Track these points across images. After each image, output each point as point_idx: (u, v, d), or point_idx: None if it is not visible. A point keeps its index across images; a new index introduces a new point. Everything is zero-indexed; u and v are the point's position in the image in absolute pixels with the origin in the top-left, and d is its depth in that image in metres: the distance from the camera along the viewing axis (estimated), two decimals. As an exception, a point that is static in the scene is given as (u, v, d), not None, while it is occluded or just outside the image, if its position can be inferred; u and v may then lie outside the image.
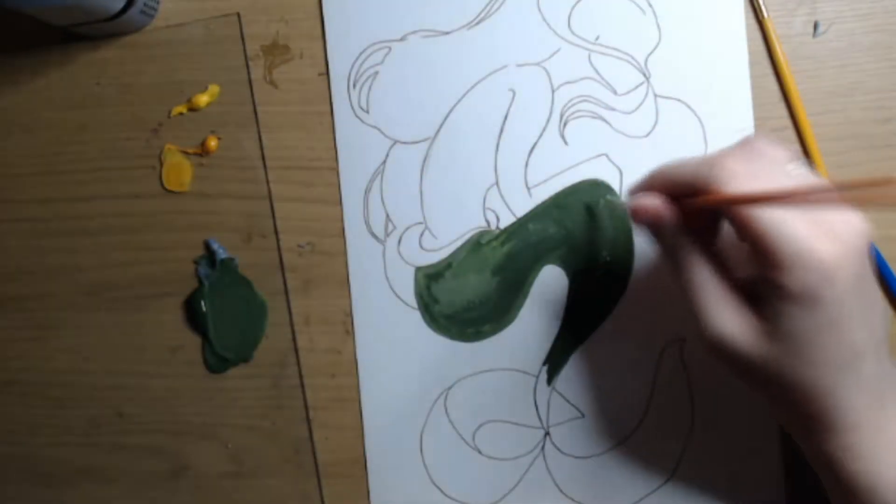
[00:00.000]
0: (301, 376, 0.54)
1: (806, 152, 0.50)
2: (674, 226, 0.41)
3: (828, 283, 0.35)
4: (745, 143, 0.39)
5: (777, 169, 0.38)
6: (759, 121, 0.50)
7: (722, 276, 0.39)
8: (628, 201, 0.43)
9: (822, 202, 0.35)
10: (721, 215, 0.41)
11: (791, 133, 0.50)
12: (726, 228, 0.41)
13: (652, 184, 0.42)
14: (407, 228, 0.53)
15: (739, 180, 0.36)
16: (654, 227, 0.42)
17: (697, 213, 0.40)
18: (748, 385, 0.41)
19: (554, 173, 0.52)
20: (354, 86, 0.53)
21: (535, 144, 0.52)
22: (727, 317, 0.38)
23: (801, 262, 0.35)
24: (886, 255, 0.50)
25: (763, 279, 0.37)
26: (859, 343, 0.37)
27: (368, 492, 0.53)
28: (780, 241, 0.35)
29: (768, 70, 0.50)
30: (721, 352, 0.39)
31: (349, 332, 0.53)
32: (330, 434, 0.54)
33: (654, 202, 0.41)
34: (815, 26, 0.50)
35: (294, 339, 0.54)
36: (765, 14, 0.50)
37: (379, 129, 0.53)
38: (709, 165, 0.38)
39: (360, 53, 0.53)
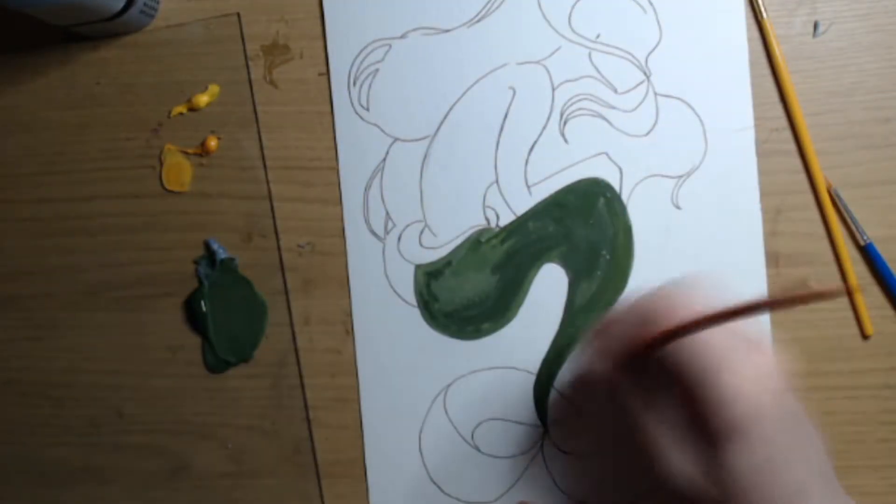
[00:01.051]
0: (301, 376, 0.54)
1: (803, 152, 0.50)
2: (626, 387, 0.42)
3: (756, 420, 0.37)
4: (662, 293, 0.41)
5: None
6: (758, 121, 0.50)
7: (671, 424, 0.40)
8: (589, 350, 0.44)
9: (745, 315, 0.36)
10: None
11: (788, 133, 0.50)
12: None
13: (606, 341, 0.43)
14: (407, 226, 0.53)
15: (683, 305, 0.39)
16: (610, 392, 0.43)
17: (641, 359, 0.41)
18: None
19: (554, 171, 0.52)
20: (355, 83, 0.53)
21: (536, 142, 0.52)
22: (678, 462, 0.39)
23: (728, 405, 0.37)
24: (886, 255, 0.50)
25: (701, 424, 0.38)
26: (801, 481, 0.38)
27: (368, 489, 0.53)
28: (709, 387, 0.37)
29: (767, 70, 0.50)
30: (678, 492, 0.40)
31: (349, 332, 0.53)
32: (330, 434, 0.54)
33: (605, 369, 0.42)
34: (815, 26, 0.50)
35: (294, 339, 0.54)
36: (764, 15, 0.50)
37: (379, 127, 0.53)
38: (651, 301, 0.40)
39: (361, 51, 0.53)
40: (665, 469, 0.40)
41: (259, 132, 0.54)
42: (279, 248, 0.54)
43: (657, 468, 0.40)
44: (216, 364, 0.54)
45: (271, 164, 0.54)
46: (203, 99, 0.54)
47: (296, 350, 0.54)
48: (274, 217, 0.54)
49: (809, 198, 0.50)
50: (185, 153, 0.54)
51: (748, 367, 0.38)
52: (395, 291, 0.53)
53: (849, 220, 0.50)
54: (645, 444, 0.41)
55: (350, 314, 0.53)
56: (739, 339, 0.39)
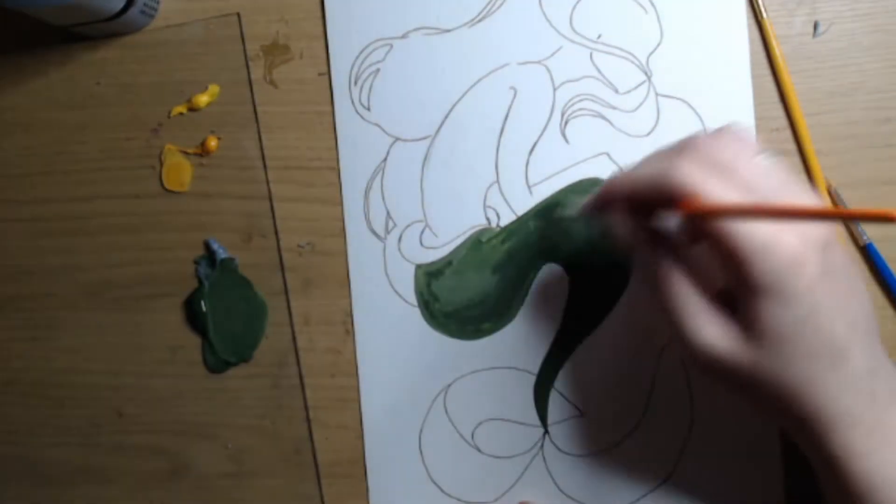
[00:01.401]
0: (301, 376, 0.54)
1: (802, 153, 0.50)
2: (646, 243, 0.40)
3: (794, 273, 0.35)
4: (710, 135, 0.39)
5: (744, 164, 0.37)
6: (758, 121, 0.50)
7: (699, 287, 0.39)
8: (588, 214, 0.43)
9: (801, 217, 0.34)
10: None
11: (788, 134, 0.50)
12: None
13: (610, 198, 0.42)
14: (407, 226, 0.53)
15: (703, 184, 0.36)
16: (629, 247, 0.41)
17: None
18: (740, 396, 0.40)
19: (555, 172, 0.52)
20: (356, 83, 0.53)
21: (536, 143, 0.52)
22: (709, 328, 0.38)
23: (765, 254, 0.35)
24: (886, 255, 0.50)
25: (734, 280, 0.37)
26: (840, 336, 0.37)
27: (368, 489, 0.53)
28: (743, 236, 0.35)
29: (767, 70, 0.50)
30: (708, 364, 0.38)
31: (349, 332, 0.53)
32: (330, 434, 0.54)
33: (624, 224, 0.41)
34: (815, 26, 0.50)
35: (294, 339, 0.54)
36: (764, 15, 0.50)
37: (380, 127, 0.53)
38: (667, 173, 0.37)
39: (362, 51, 0.53)
40: (693, 339, 0.38)
41: (259, 132, 0.54)
42: (279, 248, 0.54)
43: (684, 339, 0.39)
44: (216, 364, 0.54)
45: (271, 164, 0.54)
46: (203, 99, 0.54)
47: (296, 350, 0.54)
48: (274, 217, 0.54)
49: (809, 198, 0.50)
50: (185, 153, 0.54)
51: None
52: (395, 291, 0.53)
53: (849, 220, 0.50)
54: (670, 310, 0.39)
55: (350, 314, 0.53)
56: (778, 180, 0.37)
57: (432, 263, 0.52)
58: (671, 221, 0.40)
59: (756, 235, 0.35)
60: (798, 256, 0.35)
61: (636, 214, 0.41)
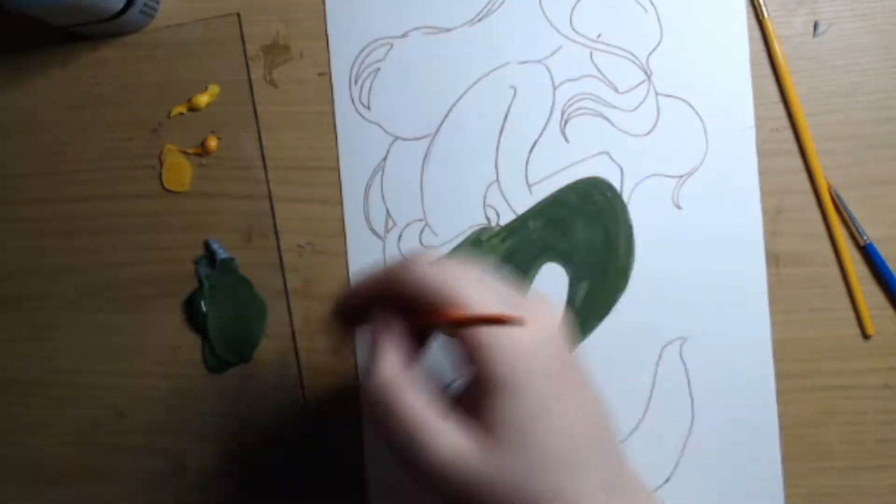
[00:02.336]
0: (301, 376, 0.54)
1: (803, 152, 0.50)
2: (371, 353, 0.38)
3: (526, 366, 0.34)
4: (420, 255, 0.38)
5: (462, 269, 0.37)
6: (758, 121, 0.50)
7: (433, 399, 0.36)
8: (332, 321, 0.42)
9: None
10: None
11: (789, 133, 0.50)
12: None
13: (345, 303, 0.40)
14: (407, 225, 0.53)
15: (437, 281, 0.36)
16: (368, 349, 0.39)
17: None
18: None
19: (554, 171, 0.52)
20: (356, 82, 0.53)
21: (536, 142, 0.52)
22: (446, 436, 0.35)
23: (498, 349, 0.34)
24: (886, 255, 0.50)
25: (471, 377, 0.36)
26: (578, 437, 0.35)
27: (369, 490, 0.53)
28: (478, 333, 0.35)
29: (768, 70, 0.50)
30: (445, 477, 0.35)
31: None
32: (330, 434, 0.54)
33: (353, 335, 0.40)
34: (815, 26, 0.50)
35: (294, 339, 0.54)
36: (765, 14, 0.50)
37: (380, 126, 0.53)
38: (399, 276, 0.37)
39: (362, 50, 0.53)
40: (428, 452, 0.35)
41: (259, 132, 0.54)
42: (279, 248, 0.54)
43: (417, 456, 0.35)
44: (216, 364, 0.54)
45: (271, 164, 0.54)
46: (203, 99, 0.54)
47: (296, 350, 0.54)
48: (274, 217, 0.54)
49: (809, 198, 0.50)
50: (185, 153, 0.54)
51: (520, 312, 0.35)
52: (396, 291, 0.53)
53: (849, 220, 0.50)
54: (400, 425, 0.35)
55: (350, 314, 0.53)
56: (500, 292, 0.37)
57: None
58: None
59: (494, 333, 0.34)
60: (529, 351, 0.34)
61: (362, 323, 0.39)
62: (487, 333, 0.34)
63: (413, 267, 0.36)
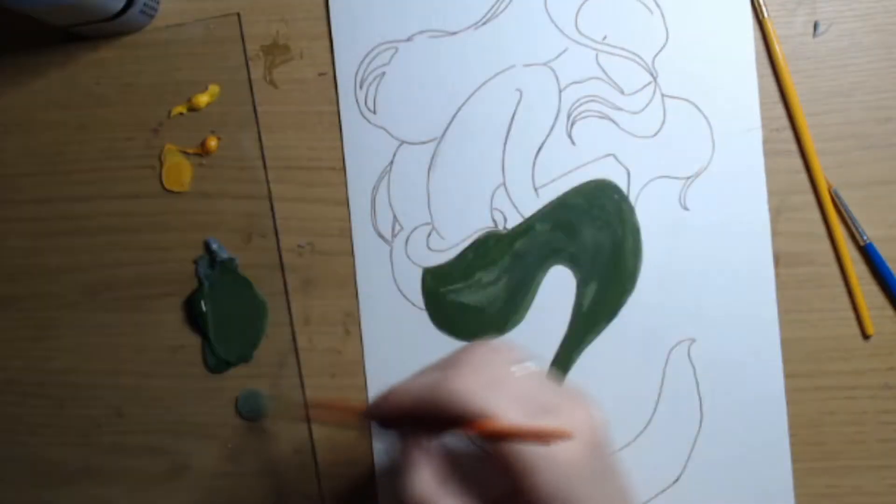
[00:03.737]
0: (301, 376, 0.54)
1: (803, 153, 0.50)
2: (416, 459, 0.39)
3: (568, 484, 0.35)
4: (467, 354, 0.39)
5: (505, 372, 0.38)
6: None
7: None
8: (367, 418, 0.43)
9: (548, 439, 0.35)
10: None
11: (789, 133, 0.50)
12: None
13: (388, 409, 0.40)
14: (414, 229, 0.53)
15: (472, 395, 0.36)
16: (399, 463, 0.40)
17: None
18: None
19: (561, 173, 0.52)
20: (361, 86, 0.53)
21: (543, 144, 0.52)
22: None
23: (545, 464, 0.35)
24: (886, 255, 0.50)
25: (514, 492, 0.36)
26: None
27: (377, 492, 0.53)
28: (519, 449, 0.35)
29: (768, 70, 0.50)
30: None
31: (349, 332, 0.53)
32: (330, 434, 0.54)
33: (399, 440, 0.40)
34: (815, 26, 0.50)
35: (294, 339, 0.54)
36: (765, 14, 0.50)
37: (386, 130, 0.53)
38: (439, 385, 0.37)
39: (367, 54, 0.53)
40: None
41: (259, 132, 0.54)
42: (279, 248, 0.54)
43: None
44: (216, 364, 0.54)
45: (271, 164, 0.54)
46: (203, 99, 0.54)
47: (296, 350, 0.54)
48: (274, 217, 0.54)
49: (810, 198, 0.50)
50: (185, 153, 0.54)
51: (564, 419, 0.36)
52: (402, 294, 0.53)
53: (849, 220, 0.50)
54: None
55: (350, 314, 0.53)
56: (540, 386, 0.38)
57: (439, 266, 0.52)
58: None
59: (536, 450, 0.35)
60: (572, 463, 0.35)
61: (407, 428, 0.40)
62: (530, 451, 0.35)
63: (451, 383, 0.37)
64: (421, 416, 0.38)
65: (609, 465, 0.38)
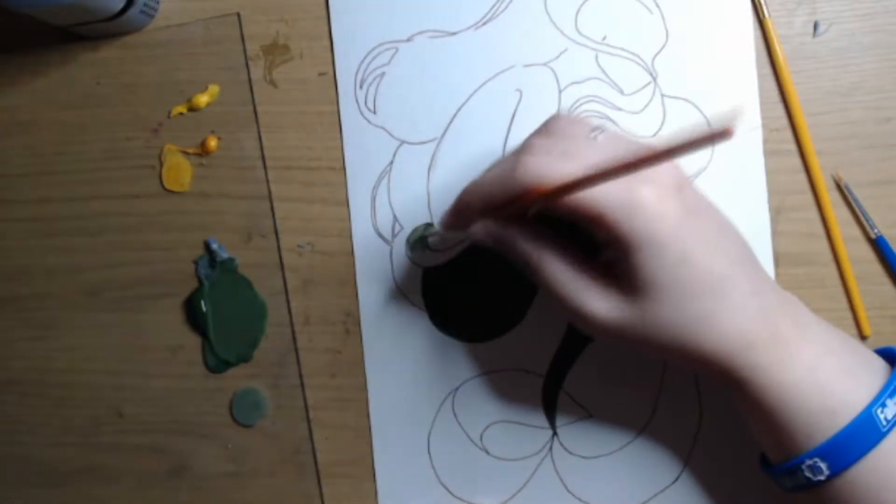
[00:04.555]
0: (301, 376, 0.54)
1: (803, 153, 0.50)
2: (513, 241, 0.41)
3: (658, 221, 0.37)
4: (542, 129, 0.41)
5: (583, 142, 0.39)
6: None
7: (573, 264, 0.40)
8: (449, 229, 0.45)
9: (634, 168, 0.34)
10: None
11: (789, 133, 0.50)
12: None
13: (466, 208, 0.43)
14: (414, 229, 0.53)
15: (548, 170, 0.37)
16: (501, 246, 0.42)
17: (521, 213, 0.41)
18: (645, 351, 0.42)
19: (562, 174, 0.52)
20: (361, 86, 0.53)
21: (543, 145, 0.52)
22: (595, 300, 0.39)
23: (627, 212, 0.36)
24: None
25: (606, 245, 0.38)
26: (717, 270, 0.38)
27: (376, 492, 0.53)
28: (601, 202, 0.37)
29: (768, 70, 0.50)
30: (605, 331, 0.40)
31: (349, 331, 0.53)
32: (330, 434, 0.54)
33: (486, 229, 0.42)
34: (815, 26, 0.50)
35: (294, 339, 0.54)
36: (765, 14, 0.50)
37: (386, 130, 0.53)
38: (512, 171, 0.39)
39: (367, 54, 0.53)
40: (584, 313, 0.40)
41: (259, 132, 0.54)
42: (279, 248, 0.54)
43: (577, 315, 0.40)
44: (216, 364, 0.54)
45: (271, 164, 0.54)
46: (203, 99, 0.53)
47: (296, 350, 0.54)
48: (274, 217, 0.54)
49: (809, 198, 0.50)
50: (185, 153, 0.54)
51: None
52: (402, 294, 0.53)
53: (859, 213, 0.50)
54: (556, 293, 0.40)
55: (350, 314, 0.53)
56: (615, 144, 0.39)
57: (440, 266, 0.52)
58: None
59: (612, 198, 0.37)
60: (657, 205, 0.37)
61: (494, 218, 0.42)
62: (619, 201, 0.36)
63: (522, 165, 0.38)
64: (502, 207, 0.40)
65: (699, 202, 0.39)
